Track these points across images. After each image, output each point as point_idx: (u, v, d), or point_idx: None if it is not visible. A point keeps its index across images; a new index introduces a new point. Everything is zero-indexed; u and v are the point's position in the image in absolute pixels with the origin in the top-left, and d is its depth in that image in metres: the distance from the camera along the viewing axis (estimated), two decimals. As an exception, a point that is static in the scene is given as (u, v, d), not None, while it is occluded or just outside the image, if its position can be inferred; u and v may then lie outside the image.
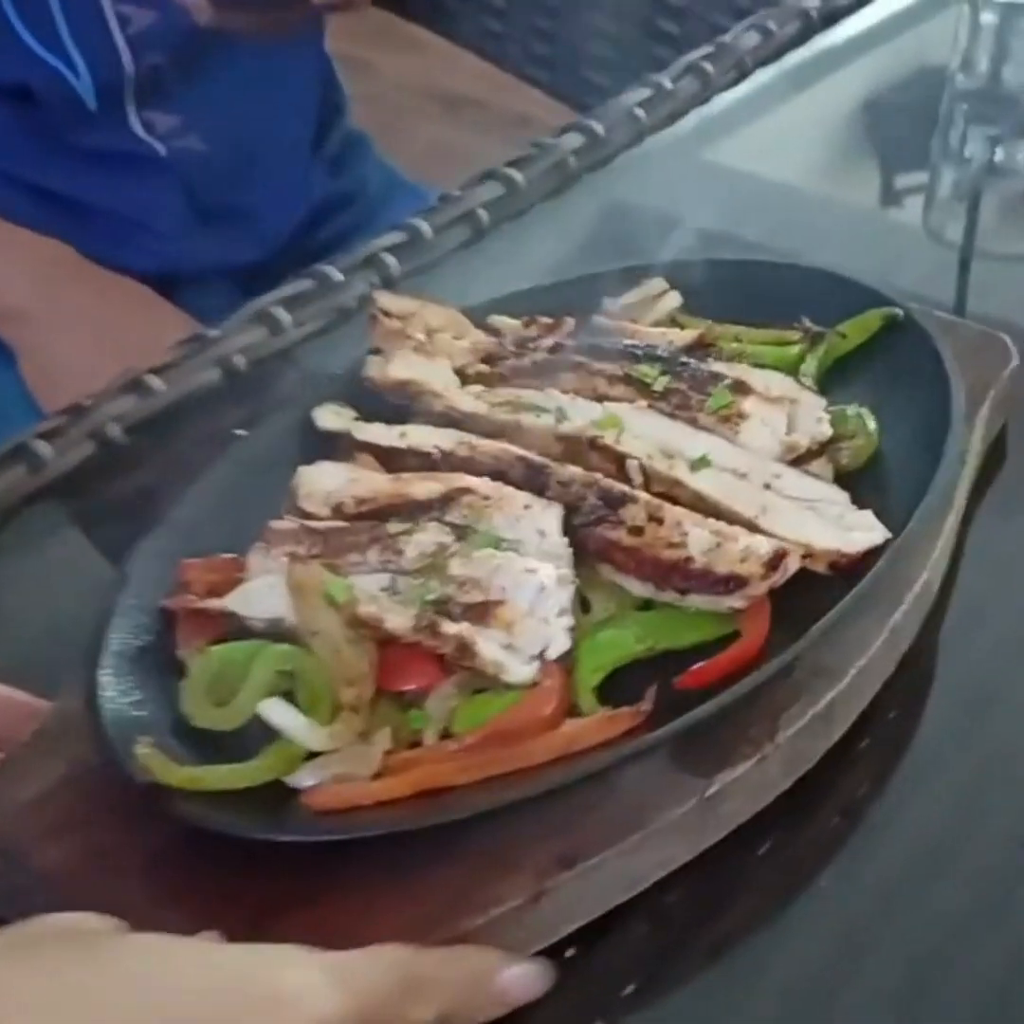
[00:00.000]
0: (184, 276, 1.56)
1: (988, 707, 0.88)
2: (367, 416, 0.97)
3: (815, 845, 0.82)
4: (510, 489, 0.84)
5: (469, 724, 0.78)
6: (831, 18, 1.55)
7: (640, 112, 1.43)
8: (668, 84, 1.47)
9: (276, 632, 0.83)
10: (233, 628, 0.84)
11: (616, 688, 0.80)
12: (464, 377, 0.97)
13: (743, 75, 1.52)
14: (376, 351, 1.00)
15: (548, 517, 0.82)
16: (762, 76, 1.51)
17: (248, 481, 0.94)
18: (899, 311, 0.99)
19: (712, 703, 0.76)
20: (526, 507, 0.83)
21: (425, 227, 1.28)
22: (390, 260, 1.24)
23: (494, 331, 1.02)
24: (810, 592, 0.83)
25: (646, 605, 0.84)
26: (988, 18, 1.30)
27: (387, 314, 1.00)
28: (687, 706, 0.77)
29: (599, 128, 1.40)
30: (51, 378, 1.44)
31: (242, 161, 1.56)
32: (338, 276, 1.21)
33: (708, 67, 1.49)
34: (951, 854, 0.80)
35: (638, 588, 0.83)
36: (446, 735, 0.78)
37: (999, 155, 1.32)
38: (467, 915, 0.72)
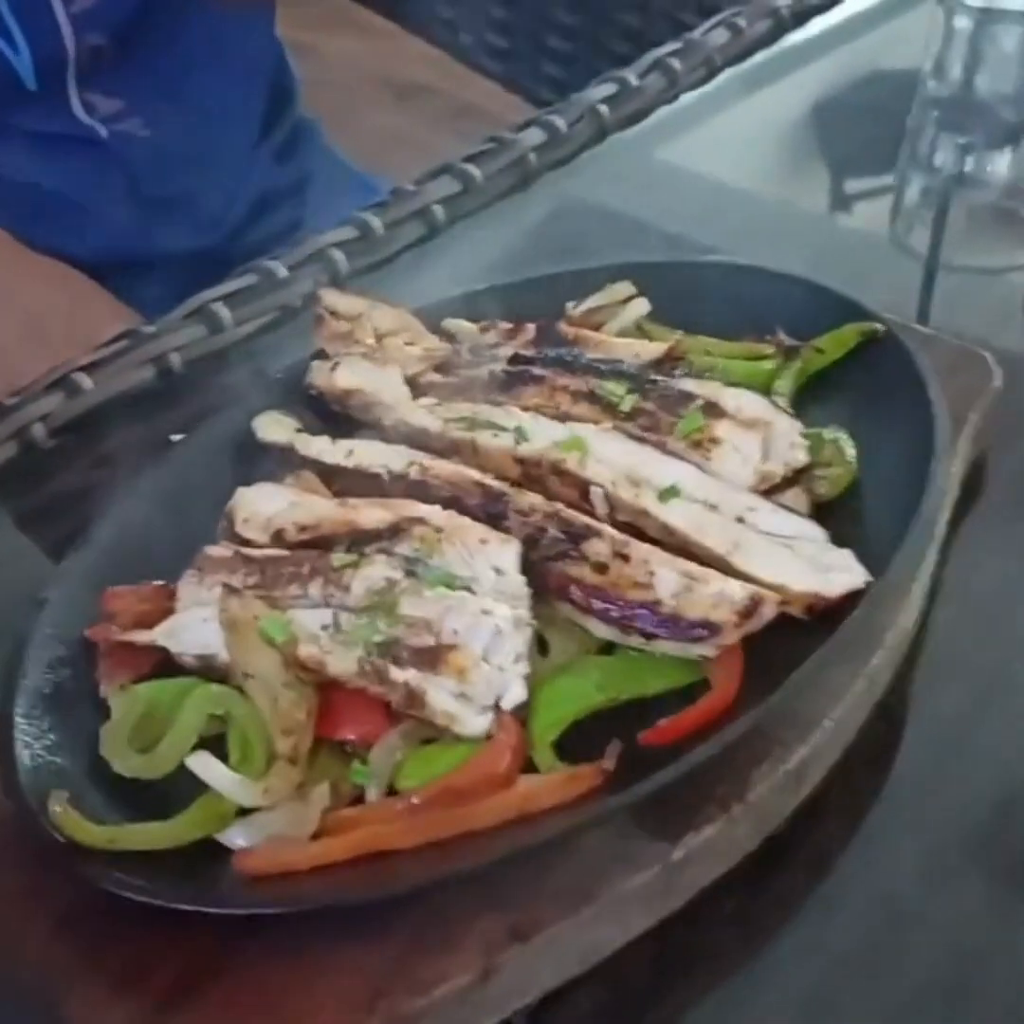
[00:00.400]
0: (124, 265, 1.48)
1: (963, 752, 0.82)
2: (311, 426, 0.91)
3: (782, 903, 0.76)
4: (465, 521, 0.78)
5: (416, 779, 0.72)
6: (802, 17, 1.49)
7: (604, 109, 1.37)
8: (634, 80, 1.40)
9: (210, 668, 0.77)
10: (162, 664, 0.78)
11: (574, 739, 0.74)
12: (416, 387, 0.90)
13: (711, 73, 1.45)
14: (321, 354, 0.93)
15: (505, 553, 0.76)
16: (725, 75, 1.45)
17: (182, 496, 0.87)
18: (878, 326, 0.93)
19: (680, 764, 0.70)
20: (482, 541, 0.76)
21: (376, 223, 1.21)
22: (338, 256, 1.18)
23: (449, 336, 0.96)
24: (782, 636, 0.77)
25: (608, 647, 0.78)
26: (962, 23, 1.24)
27: (334, 314, 0.94)
28: (652, 762, 0.71)
29: (561, 124, 1.34)
30: None
31: (186, 146, 1.49)
32: (283, 272, 1.14)
33: (675, 64, 1.43)
34: (923, 909, 0.75)
35: (601, 630, 0.77)
36: (390, 791, 0.72)
37: (969, 164, 1.26)
38: (408, 994, 0.66)
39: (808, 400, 0.93)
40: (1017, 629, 0.88)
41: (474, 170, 1.27)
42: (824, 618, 0.77)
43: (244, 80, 1.53)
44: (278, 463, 0.87)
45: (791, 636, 0.77)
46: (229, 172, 1.55)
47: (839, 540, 0.81)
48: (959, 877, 0.76)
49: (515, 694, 0.73)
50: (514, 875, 0.69)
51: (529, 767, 0.73)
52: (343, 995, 0.65)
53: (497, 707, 0.73)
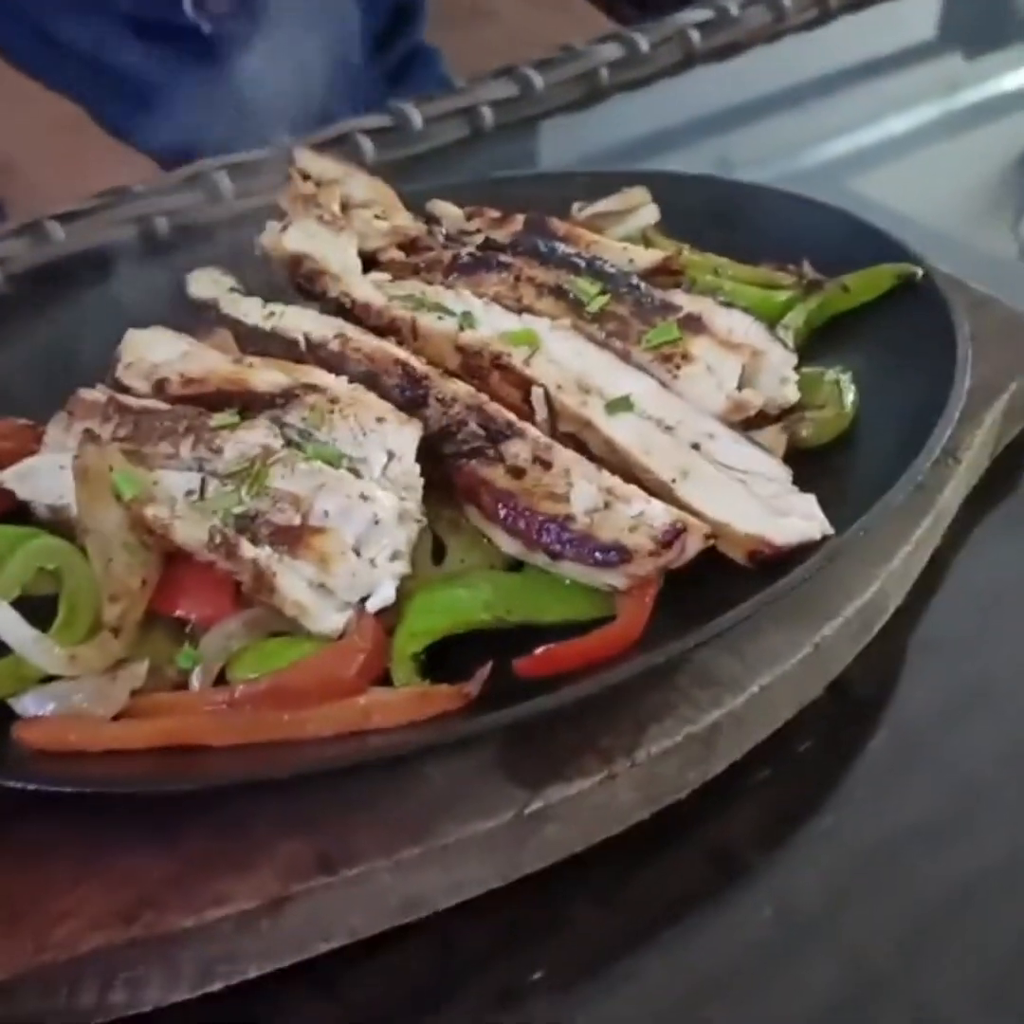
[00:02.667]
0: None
1: (922, 761, 0.69)
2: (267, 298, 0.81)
3: (666, 894, 0.64)
4: (367, 396, 0.68)
5: (249, 673, 0.62)
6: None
7: (695, 34, 1.26)
8: (735, 10, 1.29)
9: (62, 524, 0.68)
10: (15, 511, 0.69)
11: (451, 661, 0.64)
12: (375, 264, 0.80)
13: (824, 15, 1.34)
14: (282, 217, 0.84)
15: (403, 436, 0.66)
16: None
17: (97, 340, 0.78)
18: (916, 269, 0.82)
19: (552, 697, 0.60)
20: (379, 420, 0.66)
21: (415, 116, 1.13)
22: (366, 144, 1.09)
23: (433, 219, 0.86)
24: (724, 586, 0.66)
25: (517, 567, 0.67)
26: None
27: (305, 177, 0.84)
28: (527, 697, 0.61)
29: (643, 43, 1.23)
30: None
31: (291, 54, 1.44)
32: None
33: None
34: (826, 932, 0.62)
35: (505, 542, 0.66)
36: (221, 682, 0.63)
37: None
38: (178, 910, 0.56)
39: (824, 342, 0.82)
40: (1006, 638, 0.75)
41: (535, 76, 1.17)
42: (770, 571, 0.66)
43: None
44: (205, 322, 0.78)
45: (732, 588, 0.66)
46: (334, 84, 1.50)
47: (815, 491, 0.70)
48: (880, 899, 0.63)
49: (383, 595, 0.63)
50: (333, 797, 0.59)
51: (384, 682, 0.63)
52: (104, 900, 0.56)
53: (360, 607, 0.63)
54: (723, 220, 0.89)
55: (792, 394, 0.74)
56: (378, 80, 1.59)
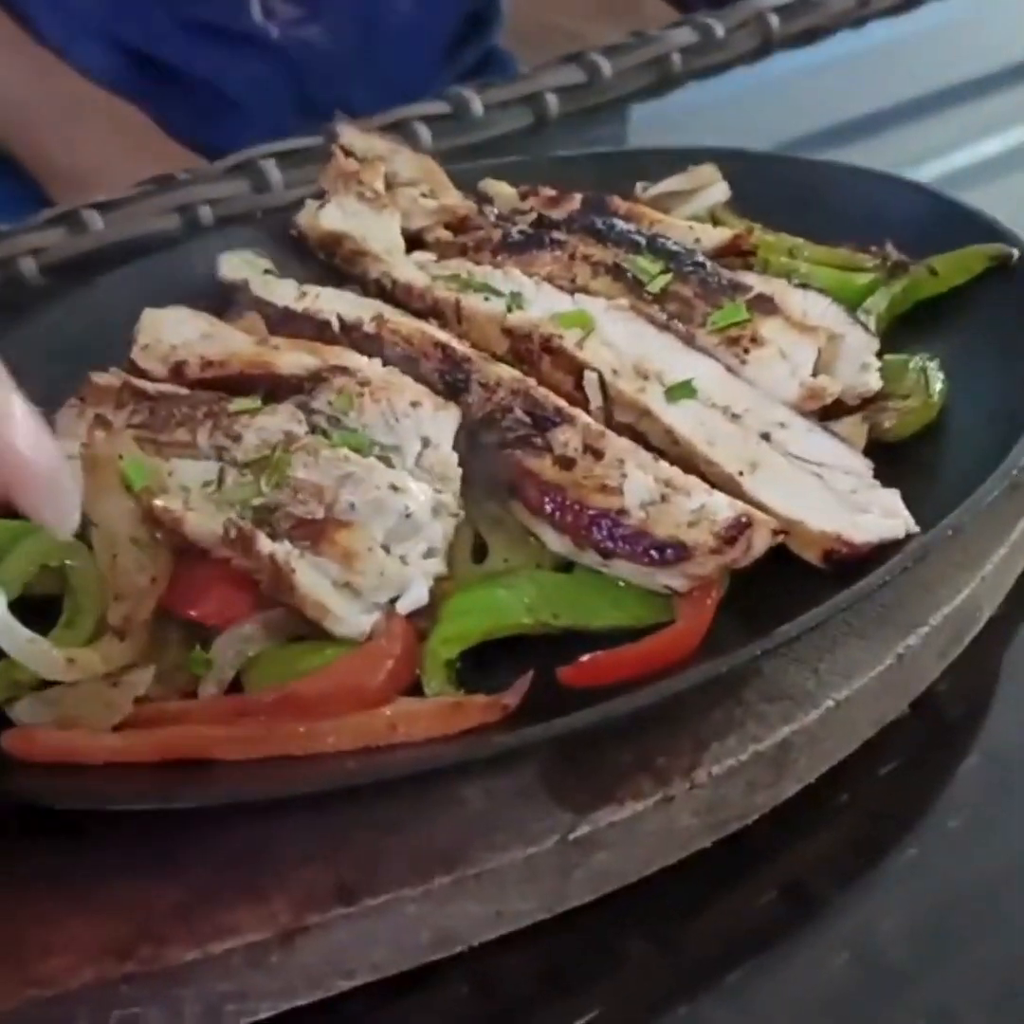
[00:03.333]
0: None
1: (1019, 788, 0.62)
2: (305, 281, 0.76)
3: (731, 929, 0.57)
4: (401, 378, 0.62)
5: (267, 680, 0.56)
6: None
7: (774, 18, 1.19)
8: (816, -6, 1.23)
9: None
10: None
11: (486, 671, 0.58)
12: (420, 243, 0.75)
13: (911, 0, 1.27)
14: (322, 195, 0.78)
15: (440, 422, 0.60)
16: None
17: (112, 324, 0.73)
18: (1012, 251, 0.75)
19: (601, 709, 0.53)
20: (414, 404, 0.60)
21: (476, 102, 1.07)
22: (423, 131, 1.04)
23: (485, 198, 0.80)
24: (795, 589, 0.60)
25: (565, 567, 0.61)
26: None
27: (348, 154, 0.79)
28: (573, 710, 0.54)
29: (718, 28, 1.17)
30: None
31: (363, 59, 1.41)
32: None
33: (869, -15, 1.25)
34: (910, 979, 0.55)
35: (553, 539, 0.60)
36: (236, 690, 0.57)
37: None
38: (180, 943, 0.50)
39: (909, 328, 0.76)
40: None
41: (603, 62, 1.11)
42: (848, 573, 0.59)
43: (433, 3, 1.44)
44: (236, 307, 0.72)
45: (807, 592, 0.59)
46: (402, 91, 1.47)
47: (899, 485, 0.64)
48: (969, 949, 0.56)
49: (415, 595, 0.57)
50: (355, 818, 0.53)
51: (415, 691, 0.57)
52: (98, 931, 0.51)
53: (390, 608, 0.57)
54: (799, 200, 0.83)
55: (874, 382, 0.68)
56: (451, 85, 1.56)
